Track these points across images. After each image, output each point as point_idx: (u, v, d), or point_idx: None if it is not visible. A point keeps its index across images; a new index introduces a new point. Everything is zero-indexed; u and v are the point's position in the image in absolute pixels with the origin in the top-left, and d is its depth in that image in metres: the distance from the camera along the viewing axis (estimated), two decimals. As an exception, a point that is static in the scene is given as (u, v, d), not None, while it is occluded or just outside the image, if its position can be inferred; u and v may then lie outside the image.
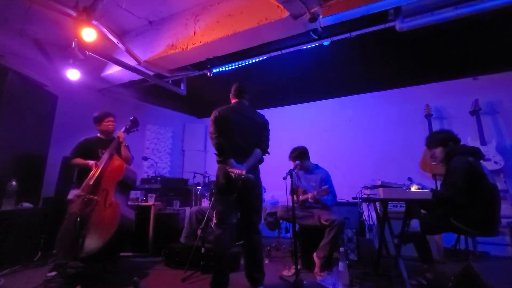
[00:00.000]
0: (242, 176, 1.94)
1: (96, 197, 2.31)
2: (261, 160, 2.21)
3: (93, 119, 2.74)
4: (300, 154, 2.85)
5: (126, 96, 4.65)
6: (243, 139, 2.10)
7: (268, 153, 2.22)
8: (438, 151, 2.30)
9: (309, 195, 2.71)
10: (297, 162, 2.76)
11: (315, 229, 2.66)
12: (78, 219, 2.16)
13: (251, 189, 2.08)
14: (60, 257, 2.27)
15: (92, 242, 2.15)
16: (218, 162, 2.11)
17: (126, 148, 2.72)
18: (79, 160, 2.54)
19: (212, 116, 2.11)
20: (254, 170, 2.14)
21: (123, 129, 2.72)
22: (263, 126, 2.24)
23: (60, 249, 2.19)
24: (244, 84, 2.31)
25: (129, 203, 3.36)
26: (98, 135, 2.76)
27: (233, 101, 2.29)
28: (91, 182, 2.35)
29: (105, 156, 2.48)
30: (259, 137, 2.18)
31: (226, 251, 2.06)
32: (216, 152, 2.08)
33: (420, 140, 3.92)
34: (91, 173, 2.40)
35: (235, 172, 1.95)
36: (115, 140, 2.60)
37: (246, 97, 2.29)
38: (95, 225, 2.21)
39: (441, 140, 2.29)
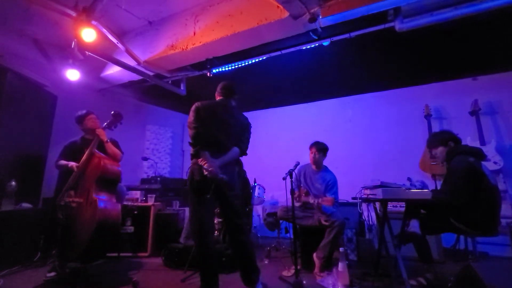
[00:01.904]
0: (218, 177, 1.80)
1: (78, 200, 2.33)
2: (238, 161, 2.11)
3: (75, 120, 2.70)
4: (324, 148, 2.91)
5: (125, 96, 4.65)
6: (224, 135, 1.99)
7: (246, 154, 2.12)
8: (439, 151, 2.32)
9: (311, 199, 2.69)
10: (296, 162, 2.75)
11: (315, 229, 2.66)
12: (62, 227, 2.27)
13: (227, 190, 1.92)
14: (57, 258, 2.35)
15: (77, 243, 2.20)
16: (192, 156, 1.95)
17: (111, 144, 2.66)
18: (61, 162, 2.56)
19: (194, 106, 1.99)
20: (230, 169, 1.99)
21: (103, 125, 2.66)
22: (246, 128, 2.16)
23: (56, 253, 2.39)
24: (235, 85, 2.23)
25: (129, 203, 3.36)
26: (83, 135, 2.73)
27: (218, 98, 2.20)
28: (72, 184, 2.37)
29: (84, 157, 2.46)
30: (240, 137, 2.09)
31: (211, 255, 1.90)
32: (191, 141, 1.93)
33: (420, 140, 3.96)
34: (72, 175, 2.41)
35: (209, 170, 1.79)
36: (95, 138, 2.56)
37: (235, 98, 2.21)
38: (79, 226, 2.25)
39: (442, 140, 2.31)
